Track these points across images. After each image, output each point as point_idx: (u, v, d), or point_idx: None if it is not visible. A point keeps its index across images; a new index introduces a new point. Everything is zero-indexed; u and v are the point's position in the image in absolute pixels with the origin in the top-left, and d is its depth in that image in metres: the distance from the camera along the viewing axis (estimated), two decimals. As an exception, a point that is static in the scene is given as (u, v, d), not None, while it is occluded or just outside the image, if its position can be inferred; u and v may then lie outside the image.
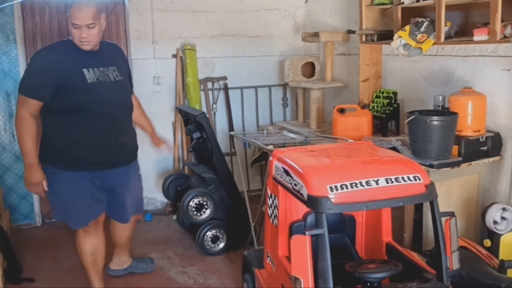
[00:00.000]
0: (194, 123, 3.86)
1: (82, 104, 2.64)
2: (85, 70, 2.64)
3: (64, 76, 2.59)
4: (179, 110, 4.18)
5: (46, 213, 4.40)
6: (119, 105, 2.81)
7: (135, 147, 3.04)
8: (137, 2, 4.43)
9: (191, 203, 3.66)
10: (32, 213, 4.35)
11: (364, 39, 3.75)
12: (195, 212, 3.70)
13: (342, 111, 3.63)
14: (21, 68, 4.14)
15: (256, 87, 5.02)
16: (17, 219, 4.31)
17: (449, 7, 3.01)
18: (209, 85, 4.81)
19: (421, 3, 3.19)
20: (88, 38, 2.60)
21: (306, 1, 5.03)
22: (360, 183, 1.98)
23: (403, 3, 3.28)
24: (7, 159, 4.21)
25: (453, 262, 2.06)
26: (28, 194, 4.30)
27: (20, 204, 4.30)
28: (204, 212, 3.72)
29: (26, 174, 2.68)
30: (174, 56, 4.60)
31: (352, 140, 3.09)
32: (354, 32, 3.93)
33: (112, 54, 2.86)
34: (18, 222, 4.31)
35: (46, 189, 2.73)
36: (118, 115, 2.81)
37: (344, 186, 1.96)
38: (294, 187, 2.11)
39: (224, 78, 4.84)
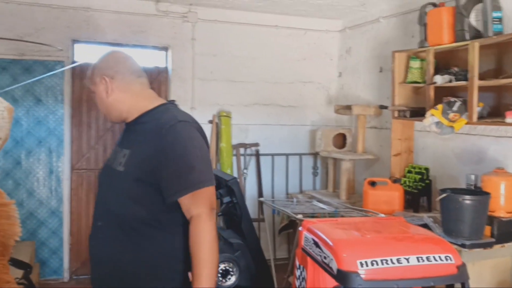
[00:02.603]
0: (225, 188, 3.92)
1: None
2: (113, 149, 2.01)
3: None
4: (211, 174, 4.26)
5: (74, 269, 4.46)
6: (101, 204, 1.93)
7: (123, 278, 1.81)
8: (180, 71, 4.69)
9: (217, 268, 3.64)
10: (61, 268, 4.41)
11: (396, 114, 3.83)
12: (220, 278, 3.67)
13: (373, 184, 3.65)
14: (65, 127, 4.37)
15: (287, 155, 5.11)
16: (46, 274, 4.37)
17: (481, 88, 3.08)
18: (242, 150, 4.93)
19: (453, 84, 3.27)
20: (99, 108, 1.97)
21: (340, 75, 5.20)
22: (391, 260, 1.97)
23: (435, 82, 3.37)
24: (43, 213, 4.35)
25: None
26: (59, 249, 4.39)
27: (50, 259, 4.38)
28: (230, 278, 3.69)
29: None
30: (210, 121, 4.78)
31: (383, 215, 3.09)
32: (386, 107, 4.03)
33: (143, 134, 1.84)
34: (47, 277, 4.37)
35: None
36: (97, 215, 1.93)
37: (374, 262, 1.95)
38: (324, 260, 2.12)
39: (257, 144, 4.97)
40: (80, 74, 4.44)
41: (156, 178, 1.75)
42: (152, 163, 1.75)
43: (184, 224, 1.78)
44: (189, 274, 1.80)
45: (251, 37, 4.91)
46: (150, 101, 1.93)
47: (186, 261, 1.79)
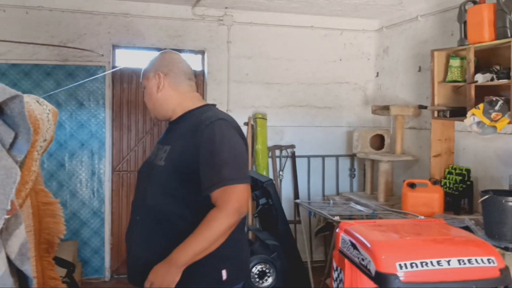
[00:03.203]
0: (261, 189, 3.95)
1: None
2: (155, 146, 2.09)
3: None
4: (247, 176, 4.29)
5: (115, 269, 4.57)
6: (139, 198, 1.99)
7: (147, 270, 1.78)
8: (216, 74, 4.75)
9: (254, 269, 3.66)
10: (102, 267, 4.54)
11: (436, 114, 3.75)
12: (257, 279, 3.69)
13: (412, 185, 3.58)
14: (107, 130, 4.50)
15: (323, 156, 5.08)
16: (88, 273, 4.50)
17: (525, 87, 2.98)
18: (277, 152, 4.94)
19: (495, 82, 3.18)
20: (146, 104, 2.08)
21: (377, 76, 5.13)
22: (431, 262, 1.94)
23: (476, 81, 3.29)
24: (85, 214, 4.49)
25: None
26: (101, 248, 4.52)
27: (92, 258, 4.51)
28: (266, 280, 3.71)
29: None
30: (246, 123, 4.81)
31: (422, 217, 3.03)
32: (426, 107, 3.95)
33: (183, 130, 1.92)
34: (89, 276, 4.49)
35: None
36: (135, 210, 1.99)
37: (414, 264, 1.92)
38: (361, 262, 2.10)
39: (292, 146, 4.96)
40: (120, 78, 4.56)
41: (193, 172, 1.80)
42: (190, 157, 1.81)
43: None
44: (223, 272, 1.83)
45: (287, 39, 4.91)
46: (194, 102, 2.01)
47: (223, 259, 1.83)
